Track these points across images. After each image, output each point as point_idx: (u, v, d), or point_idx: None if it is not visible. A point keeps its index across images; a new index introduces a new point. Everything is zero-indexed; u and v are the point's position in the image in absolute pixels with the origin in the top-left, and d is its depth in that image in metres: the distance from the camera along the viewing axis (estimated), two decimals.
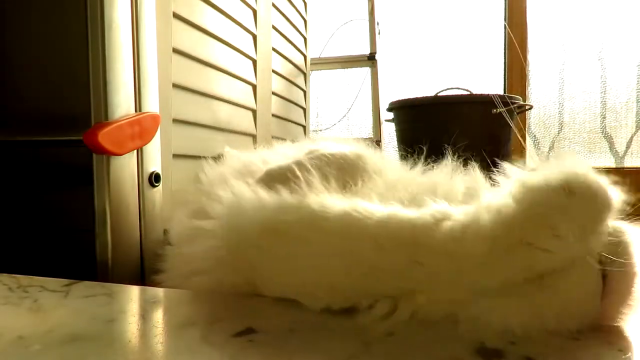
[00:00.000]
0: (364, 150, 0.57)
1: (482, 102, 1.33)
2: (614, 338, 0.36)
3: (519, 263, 0.33)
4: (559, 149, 1.89)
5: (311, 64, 1.59)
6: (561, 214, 0.32)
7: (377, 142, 1.69)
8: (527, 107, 1.48)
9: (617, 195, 0.34)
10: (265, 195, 0.43)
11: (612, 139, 1.84)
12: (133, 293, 0.48)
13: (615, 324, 0.37)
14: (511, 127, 1.39)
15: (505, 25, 1.85)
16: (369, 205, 0.39)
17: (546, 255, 0.32)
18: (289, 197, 0.42)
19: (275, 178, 0.49)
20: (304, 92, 1.49)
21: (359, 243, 0.37)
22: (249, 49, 0.99)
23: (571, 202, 0.32)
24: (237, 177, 0.56)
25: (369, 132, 1.96)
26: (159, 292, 0.48)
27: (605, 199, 0.33)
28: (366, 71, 1.86)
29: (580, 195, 0.32)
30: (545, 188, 0.33)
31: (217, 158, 0.68)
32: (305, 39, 1.49)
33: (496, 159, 0.43)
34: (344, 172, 0.51)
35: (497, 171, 0.41)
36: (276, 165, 0.52)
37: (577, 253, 0.33)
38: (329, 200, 0.40)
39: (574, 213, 0.32)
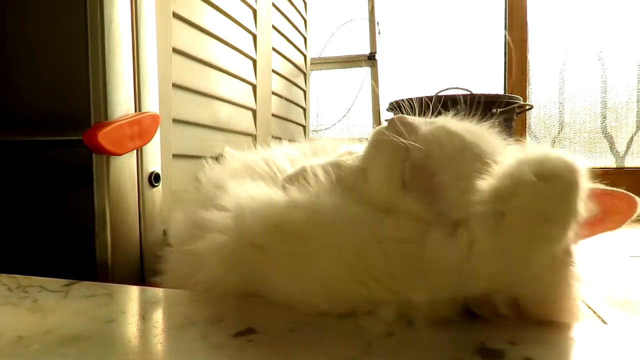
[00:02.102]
0: None
1: (482, 102, 1.33)
2: (612, 338, 0.36)
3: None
4: (560, 148, 1.89)
5: (311, 63, 1.59)
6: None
7: None
8: (527, 107, 1.48)
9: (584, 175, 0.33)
10: (275, 194, 0.42)
11: (613, 138, 1.84)
12: (133, 293, 0.48)
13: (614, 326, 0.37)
14: (512, 127, 1.39)
15: (505, 34, 1.85)
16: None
17: None
18: (300, 196, 0.41)
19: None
20: (304, 92, 1.49)
21: (366, 244, 0.37)
22: (249, 49, 0.99)
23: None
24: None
25: (369, 132, 1.95)
26: (159, 292, 0.48)
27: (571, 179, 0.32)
28: (366, 71, 1.85)
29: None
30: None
31: (217, 158, 0.68)
32: (305, 38, 1.49)
33: None
34: None
35: None
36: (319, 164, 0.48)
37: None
38: (339, 202, 0.39)
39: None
